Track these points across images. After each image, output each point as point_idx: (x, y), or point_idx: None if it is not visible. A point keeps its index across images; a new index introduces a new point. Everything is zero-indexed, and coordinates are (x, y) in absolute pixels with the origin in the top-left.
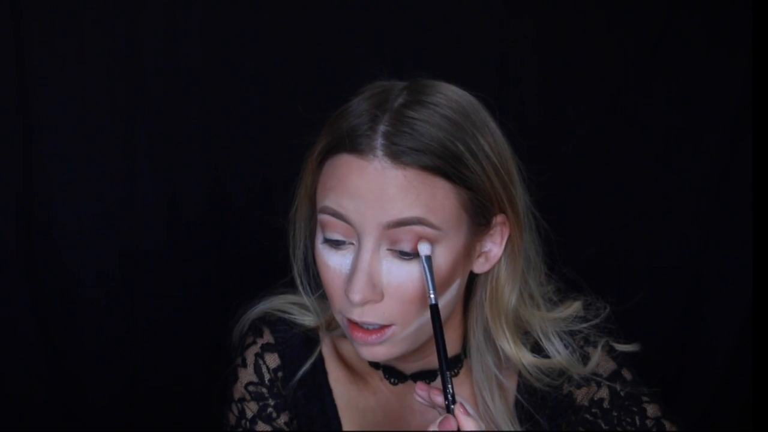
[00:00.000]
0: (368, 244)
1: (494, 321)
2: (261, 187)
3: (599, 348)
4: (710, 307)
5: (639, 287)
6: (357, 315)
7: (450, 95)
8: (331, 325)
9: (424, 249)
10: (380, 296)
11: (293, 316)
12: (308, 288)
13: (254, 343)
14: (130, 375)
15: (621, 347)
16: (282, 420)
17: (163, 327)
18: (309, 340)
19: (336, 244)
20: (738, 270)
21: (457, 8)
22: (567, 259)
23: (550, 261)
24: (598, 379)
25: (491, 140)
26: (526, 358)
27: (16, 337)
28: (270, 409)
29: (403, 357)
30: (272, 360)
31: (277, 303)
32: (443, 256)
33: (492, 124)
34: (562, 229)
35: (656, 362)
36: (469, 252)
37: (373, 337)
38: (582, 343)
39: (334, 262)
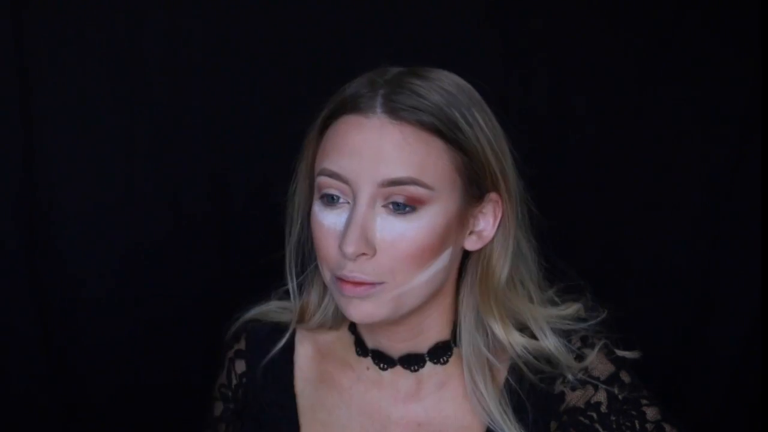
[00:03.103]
0: (363, 199)
1: (483, 299)
2: (262, 185)
3: (596, 348)
4: (719, 307)
5: (647, 287)
6: (348, 270)
7: (447, 75)
8: (305, 316)
9: None
10: (373, 251)
11: (269, 316)
12: (293, 268)
13: (231, 347)
14: (131, 374)
15: (621, 353)
16: (224, 425)
17: (164, 326)
18: (280, 338)
19: (331, 201)
20: (747, 269)
21: (462, 2)
22: (573, 258)
23: (552, 261)
24: (595, 382)
25: (486, 117)
26: (514, 338)
27: (16, 337)
28: (228, 413)
29: (392, 331)
30: (240, 366)
31: (263, 308)
32: (437, 217)
33: (487, 108)
34: (569, 228)
35: (664, 363)
36: (462, 222)
37: (362, 288)
38: (579, 344)
39: (328, 221)
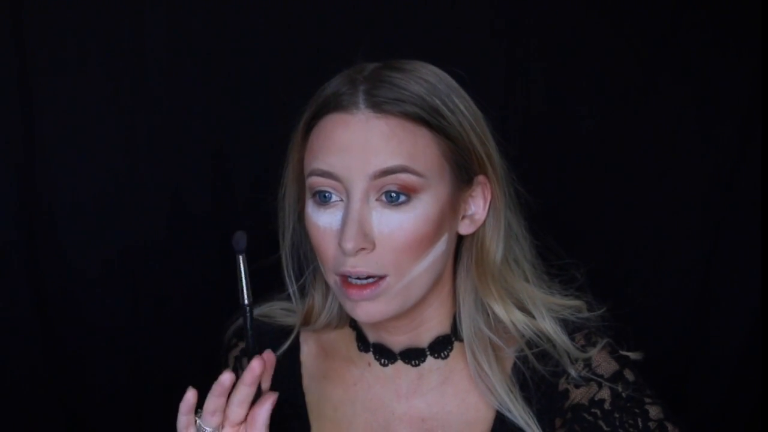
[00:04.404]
0: (357, 194)
1: (481, 280)
2: (264, 180)
3: (599, 345)
4: (719, 307)
5: (647, 286)
6: (350, 265)
7: (425, 65)
8: (311, 318)
9: (240, 241)
10: (372, 245)
11: (274, 319)
12: (291, 272)
13: (236, 345)
14: (131, 371)
15: (624, 353)
16: None
17: (165, 322)
18: (285, 339)
19: (324, 200)
20: (747, 269)
21: (464, 3)
22: (574, 258)
23: (542, 239)
24: (599, 379)
25: (465, 103)
26: (515, 316)
27: (17, 332)
28: None
29: (393, 325)
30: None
31: (266, 309)
32: (431, 205)
33: (464, 93)
34: (569, 227)
35: (665, 363)
36: (454, 208)
37: (368, 290)
38: (583, 341)
39: (323, 222)
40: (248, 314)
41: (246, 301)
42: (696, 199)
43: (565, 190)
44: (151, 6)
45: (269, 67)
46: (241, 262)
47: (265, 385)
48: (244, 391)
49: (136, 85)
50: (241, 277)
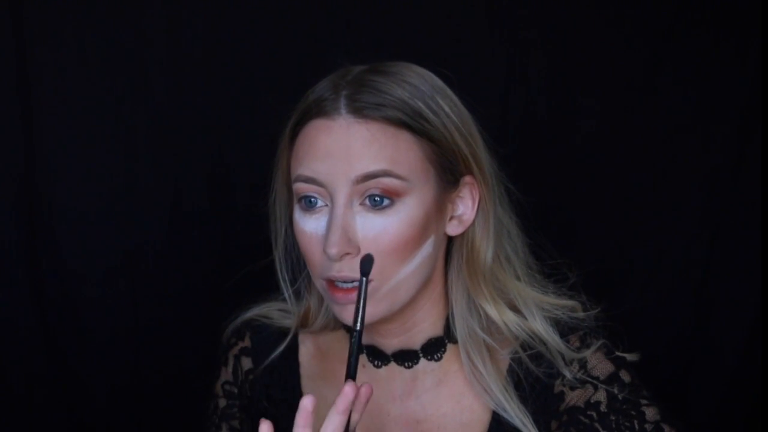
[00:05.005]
0: (340, 199)
1: (472, 280)
2: (263, 184)
3: (593, 347)
4: (719, 307)
5: (647, 287)
6: (336, 270)
7: (410, 67)
8: (308, 321)
9: (367, 263)
10: (357, 250)
11: (273, 320)
12: (286, 275)
13: (235, 344)
14: (131, 372)
15: (620, 354)
16: (237, 422)
17: (164, 324)
18: (284, 341)
19: (309, 205)
20: (747, 269)
21: (464, 4)
22: (574, 259)
23: (534, 238)
24: (594, 381)
25: (450, 103)
26: (507, 317)
27: (17, 336)
28: (235, 409)
29: (385, 328)
30: (246, 363)
31: (264, 309)
32: (415, 208)
33: (452, 93)
34: (569, 228)
35: (664, 363)
36: (441, 209)
37: (355, 292)
38: (578, 344)
39: (309, 227)
40: (357, 340)
41: (359, 327)
42: (696, 200)
43: (564, 189)
44: (151, 7)
45: (270, 68)
46: (363, 285)
47: (356, 416)
48: (337, 420)
49: (136, 85)
50: (360, 301)
